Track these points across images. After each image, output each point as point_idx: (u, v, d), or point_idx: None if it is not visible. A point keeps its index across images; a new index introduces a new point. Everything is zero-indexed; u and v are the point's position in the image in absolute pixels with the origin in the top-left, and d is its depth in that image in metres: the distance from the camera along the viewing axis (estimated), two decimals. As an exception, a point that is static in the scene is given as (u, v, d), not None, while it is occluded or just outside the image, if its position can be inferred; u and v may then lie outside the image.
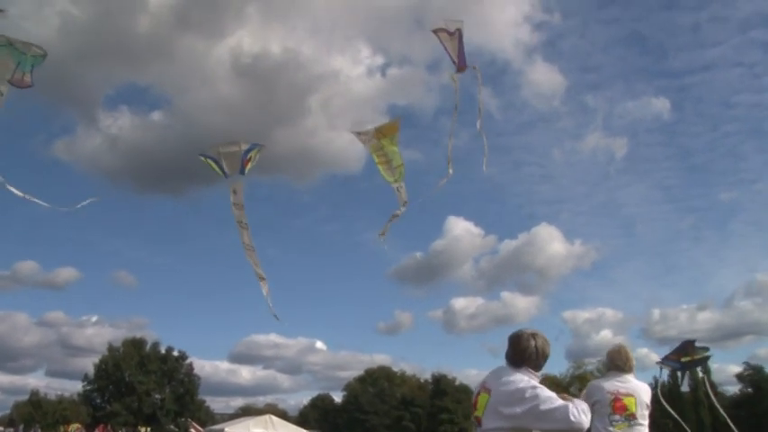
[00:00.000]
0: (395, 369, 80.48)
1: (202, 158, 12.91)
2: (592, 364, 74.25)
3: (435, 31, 12.95)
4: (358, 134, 13.34)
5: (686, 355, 12.11)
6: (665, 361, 12.37)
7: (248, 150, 13.10)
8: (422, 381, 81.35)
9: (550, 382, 67.65)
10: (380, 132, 13.02)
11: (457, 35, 13.06)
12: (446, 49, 13.09)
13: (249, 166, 13.10)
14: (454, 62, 13.10)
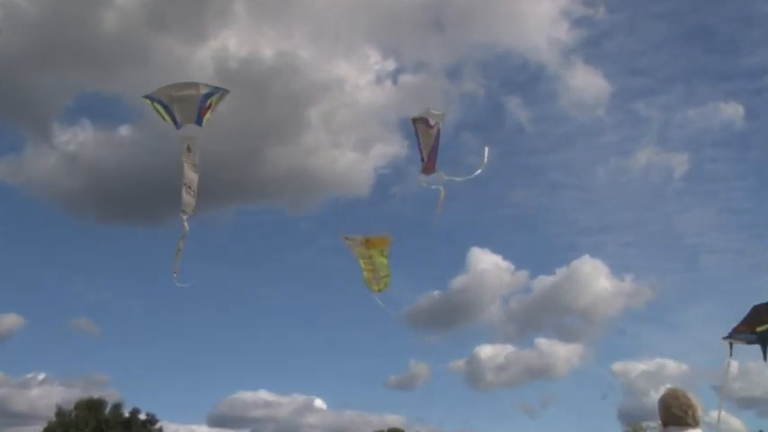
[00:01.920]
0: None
1: (147, 101, 10.21)
2: (651, 428, 63.26)
3: (414, 120, 11.95)
4: (346, 239, 12.80)
5: (762, 323, 10.05)
6: (734, 335, 10.26)
7: (208, 95, 10.50)
8: (440, 444, 68.45)
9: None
10: (370, 243, 12.61)
11: (435, 130, 11.97)
12: (418, 142, 11.98)
13: (208, 115, 10.52)
14: (422, 160, 12.01)
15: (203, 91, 10.43)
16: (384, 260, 12.72)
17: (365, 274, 12.75)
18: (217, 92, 10.52)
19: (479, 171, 12.60)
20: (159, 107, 10.33)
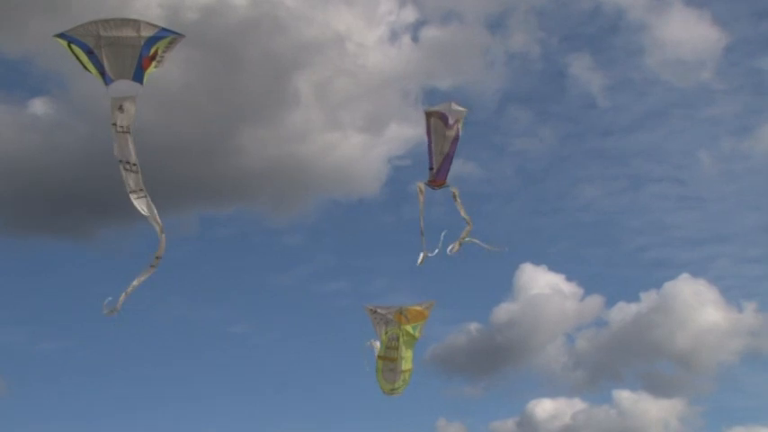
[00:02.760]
0: None
1: (62, 42, 7.16)
2: None
3: (428, 114, 10.07)
4: (373, 311, 10.24)
5: None
6: None
7: (153, 40, 7.47)
8: None
9: None
10: (405, 315, 10.11)
11: (454, 133, 10.06)
12: (429, 142, 10.06)
13: (151, 68, 7.56)
14: (430, 168, 10.17)
15: (146, 33, 7.44)
16: (410, 350, 10.18)
17: (378, 362, 10.09)
18: (165, 35, 7.57)
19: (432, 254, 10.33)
20: (80, 51, 7.28)
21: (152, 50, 7.43)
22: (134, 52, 7.39)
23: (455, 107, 10.01)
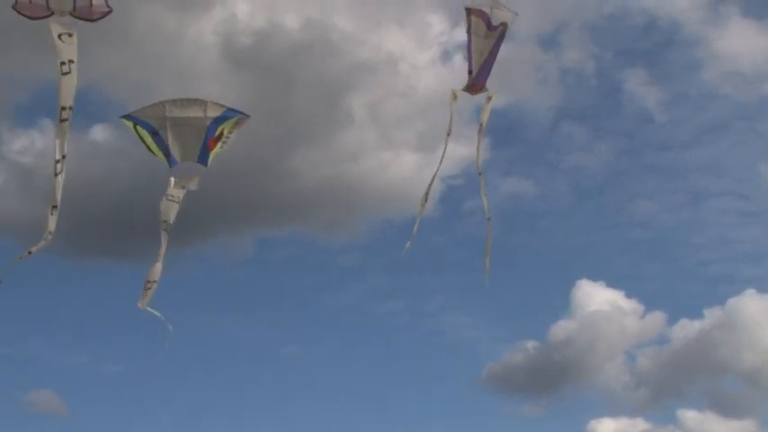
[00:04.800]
0: None
1: (128, 124, 6.89)
2: None
3: (469, 12, 8.84)
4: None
5: None
6: None
7: (219, 120, 7.13)
8: None
9: None
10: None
11: (497, 34, 8.95)
12: (469, 44, 8.91)
13: (217, 149, 7.19)
14: (470, 71, 9.04)
15: (212, 113, 7.15)
16: None
17: None
18: (232, 115, 7.26)
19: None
20: (145, 133, 7.04)
21: (218, 131, 7.18)
22: (199, 133, 7.14)
23: (500, 6, 9.01)
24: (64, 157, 6.94)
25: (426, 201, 9.52)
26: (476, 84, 9.11)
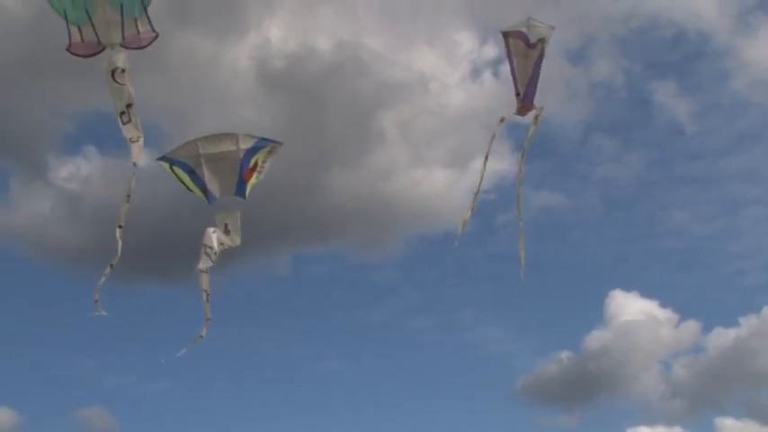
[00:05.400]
0: None
1: (164, 165, 6.94)
2: None
3: (506, 35, 8.93)
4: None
5: None
6: None
7: (252, 151, 7.16)
8: None
9: None
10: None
11: (538, 52, 8.99)
12: (512, 67, 8.96)
13: (253, 179, 7.21)
14: (517, 93, 9.08)
15: (245, 144, 7.18)
16: None
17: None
18: (264, 144, 7.29)
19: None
20: (182, 173, 7.11)
21: (252, 162, 7.21)
22: (234, 165, 7.18)
23: (535, 23, 9.08)
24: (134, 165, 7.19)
25: (466, 224, 9.64)
26: (524, 104, 9.14)
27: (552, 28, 9.02)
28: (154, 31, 6.79)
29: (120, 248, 7.57)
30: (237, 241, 7.39)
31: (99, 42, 6.74)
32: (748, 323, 36.32)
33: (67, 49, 6.85)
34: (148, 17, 6.84)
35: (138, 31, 6.74)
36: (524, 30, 8.93)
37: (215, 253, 7.51)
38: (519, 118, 9.15)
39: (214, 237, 7.44)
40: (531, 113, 9.11)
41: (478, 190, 9.74)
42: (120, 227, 7.48)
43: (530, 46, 8.93)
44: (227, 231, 7.28)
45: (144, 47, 6.80)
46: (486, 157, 9.44)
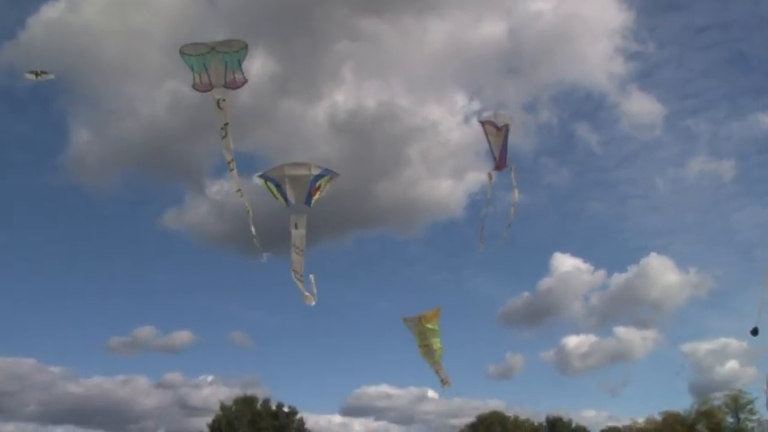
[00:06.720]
0: (507, 414, 73.76)
1: (261, 181, 10.53)
2: (718, 398, 61.46)
3: (483, 123, 13.10)
4: (406, 320, 14.61)
5: None
6: None
7: (318, 177, 10.64)
8: (536, 424, 75.28)
9: (674, 420, 60.50)
10: (425, 319, 14.40)
11: (503, 132, 13.03)
12: (489, 143, 13.01)
13: (317, 196, 10.64)
14: (494, 158, 13.27)
15: (314, 172, 10.65)
16: (437, 336, 14.28)
17: (420, 349, 14.16)
18: (327, 174, 10.69)
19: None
20: (272, 186, 10.64)
21: (317, 184, 10.58)
22: (306, 185, 10.59)
23: (500, 114, 12.74)
24: (239, 190, 10.80)
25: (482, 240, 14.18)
26: (499, 164, 13.18)
27: (510, 117, 12.98)
28: (245, 78, 10.39)
29: (253, 230, 11.00)
30: (302, 243, 10.72)
31: (210, 84, 10.43)
32: (633, 270, 74.52)
33: (193, 87, 10.47)
34: (242, 70, 10.19)
35: (235, 78, 10.38)
36: (493, 119, 12.77)
37: (300, 250, 10.83)
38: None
39: (297, 236, 10.83)
40: (507, 168, 13.06)
41: (483, 221, 14.03)
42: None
43: (498, 129, 12.76)
44: (296, 227, 10.63)
45: (238, 87, 10.42)
46: (487, 207, 13.80)
